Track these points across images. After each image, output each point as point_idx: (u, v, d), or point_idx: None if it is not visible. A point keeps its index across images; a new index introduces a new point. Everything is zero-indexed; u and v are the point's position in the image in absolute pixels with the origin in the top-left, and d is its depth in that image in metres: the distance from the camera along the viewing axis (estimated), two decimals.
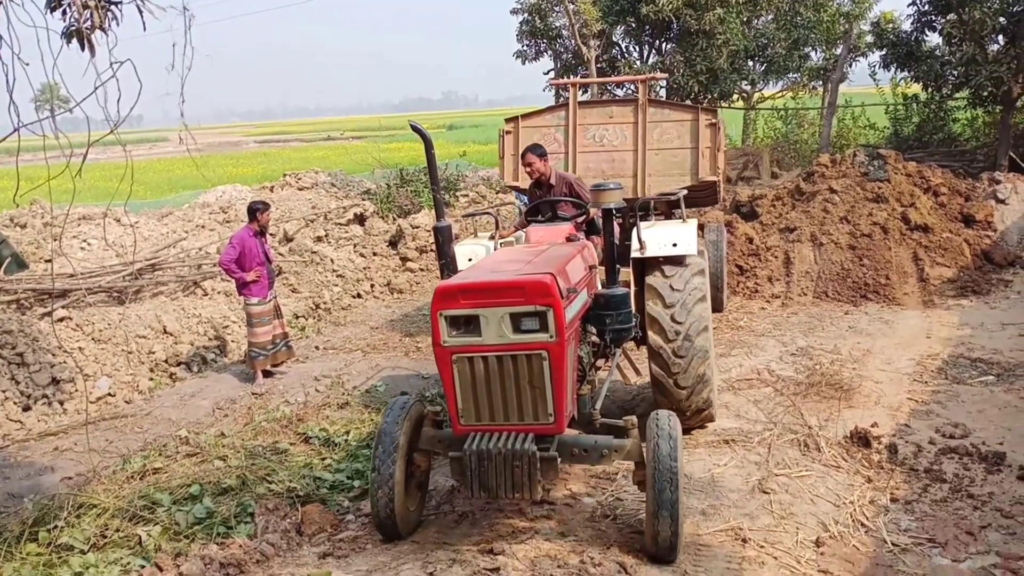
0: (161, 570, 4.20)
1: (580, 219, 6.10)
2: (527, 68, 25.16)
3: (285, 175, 18.93)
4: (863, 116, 20.99)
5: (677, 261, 5.98)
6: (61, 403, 7.89)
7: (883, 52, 17.13)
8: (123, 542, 4.99)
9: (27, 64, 3.67)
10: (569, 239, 5.63)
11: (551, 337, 4.17)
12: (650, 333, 5.91)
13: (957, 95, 17.34)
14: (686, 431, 6.06)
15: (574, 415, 4.71)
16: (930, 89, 17.16)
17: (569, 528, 4.84)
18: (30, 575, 4.75)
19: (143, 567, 4.45)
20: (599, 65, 20.49)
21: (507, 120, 8.42)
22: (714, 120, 7.83)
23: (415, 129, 5.18)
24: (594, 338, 5.28)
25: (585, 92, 15.22)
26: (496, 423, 4.34)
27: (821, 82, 21.93)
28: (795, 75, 21.30)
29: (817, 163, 13.12)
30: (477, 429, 4.35)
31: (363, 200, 15.22)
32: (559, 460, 4.32)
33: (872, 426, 6.05)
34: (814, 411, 6.54)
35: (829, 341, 8.62)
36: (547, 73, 23.30)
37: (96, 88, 3.75)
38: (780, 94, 23.32)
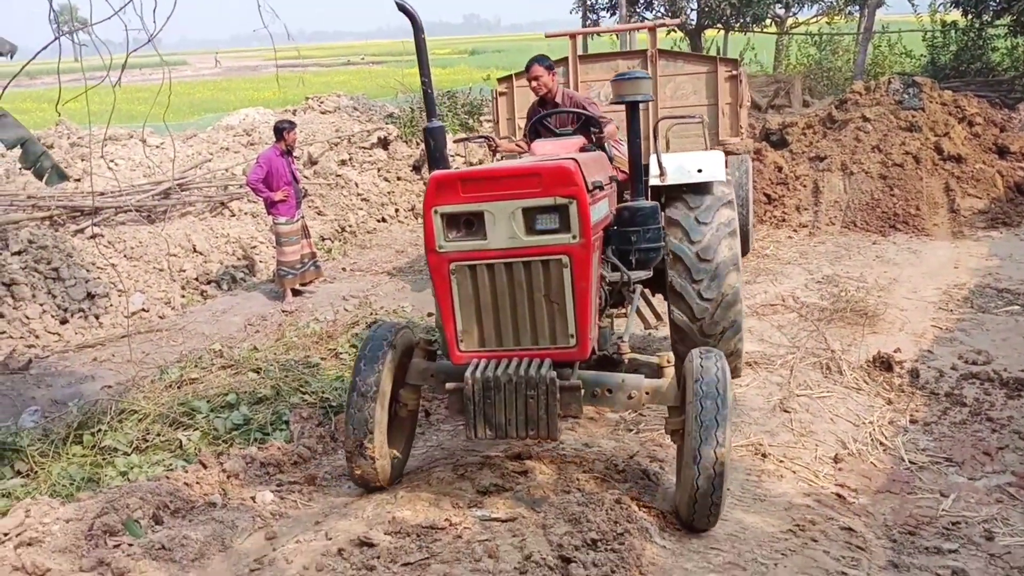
0: (205, 467, 4.39)
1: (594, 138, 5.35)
2: None
3: (307, 99, 18.80)
4: (900, 43, 20.41)
5: (703, 190, 5.23)
6: (96, 317, 8.10)
7: None
8: (164, 445, 5.20)
9: None
10: (585, 149, 4.97)
11: (574, 238, 3.50)
12: (671, 273, 5.13)
13: (997, 22, 16.78)
14: None
15: (595, 348, 3.95)
16: (970, 16, 16.62)
17: (593, 439, 4.97)
18: (77, 474, 4.97)
19: (185, 467, 4.65)
20: None
21: (499, 80, 7.77)
22: (734, 72, 7.11)
23: (400, 8, 4.23)
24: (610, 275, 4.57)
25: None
26: (504, 348, 3.71)
27: (858, 7, 21.24)
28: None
29: (850, 90, 12.84)
30: (481, 356, 3.71)
31: (386, 124, 15.14)
32: (582, 391, 3.68)
33: (895, 351, 6.10)
34: (837, 336, 6.59)
35: (856, 269, 8.61)
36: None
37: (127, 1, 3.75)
38: (815, 19, 22.65)
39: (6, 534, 3.42)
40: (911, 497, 4.34)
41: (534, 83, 5.72)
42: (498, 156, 6.01)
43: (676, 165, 5.25)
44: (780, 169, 11.60)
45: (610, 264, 4.53)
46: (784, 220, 10.94)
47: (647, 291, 5.70)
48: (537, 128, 5.65)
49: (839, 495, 4.32)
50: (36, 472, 5.14)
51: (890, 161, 11.04)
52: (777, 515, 3.99)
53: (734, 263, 5.10)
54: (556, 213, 3.51)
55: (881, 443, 4.93)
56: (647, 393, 3.80)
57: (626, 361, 4.22)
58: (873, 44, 19.91)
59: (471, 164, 6.72)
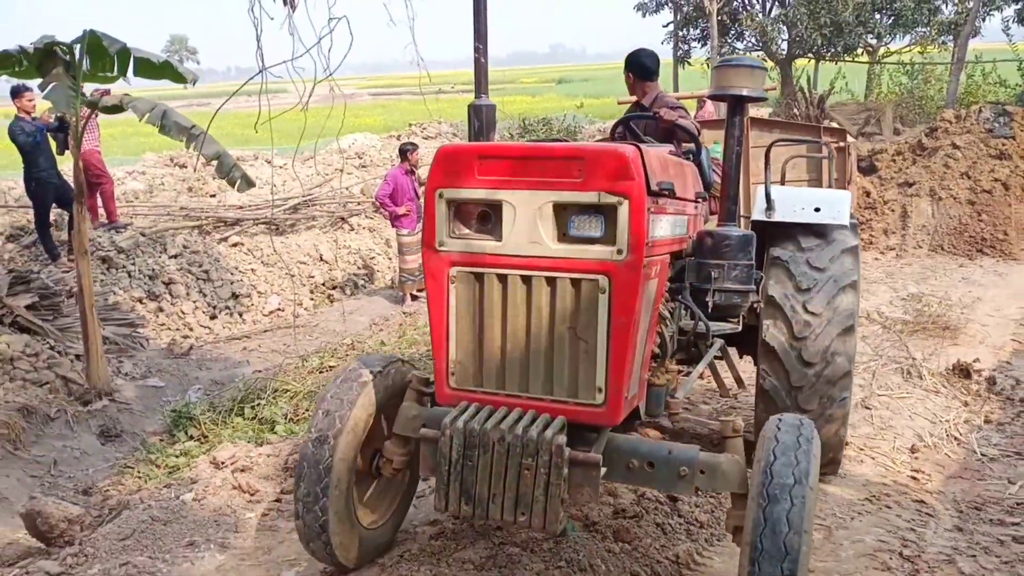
0: None
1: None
2: (638, 21, 25.30)
3: (410, 125, 20.05)
4: (994, 72, 20.32)
5: (820, 233, 4.27)
6: (240, 314, 9.19)
7: (1019, 6, 16.61)
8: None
9: (271, 18, 4.62)
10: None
11: (620, 253, 2.60)
12: (766, 324, 4.15)
13: None
14: None
15: (639, 408, 3.08)
16: None
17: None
18: (243, 436, 5.91)
19: None
20: (720, 18, 20.55)
21: (619, 103, 6.93)
22: (842, 143, 6.25)
23: None
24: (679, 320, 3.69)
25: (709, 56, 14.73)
26: (507, 392, 2.79)
27: (952, 37, 21.27)
28: (924, 29, 20.74)
29: (940, 118, 13.12)
30: (475, 397, 2.80)
31: None
32: (602, 470, 2.67)
33: (974, 361, 6.52)
34: (919, 347, 7.04)
35: (941, 289, 8.98)
36: (666, 26, 23.46)
37: (320, 39, 4.66)
38: (907, 48, 22.72)
39: (223, 462, 4.31)
40: (980, 483, 4.82)
41: (631, 85, 4.91)
42: None
43: (789, 199, 4.34)
44: (868, 194, 12.01)
45: (682, 307, 3.62)
46: (871, 243, 11.34)
47: (730, 349, 4.73)
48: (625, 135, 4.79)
49: (913, 477, 4.84)
50: (206, 437, 6.11)
51: (979, 187, 11.32)
52: (856, 488, 4.55)
53: (849, 324, 4.08)
54: (600, 215, 2.62)
55: (956, 438, 5.41)
56: (702, 472, 2.76)
57: (675, 426, 3.38)
58: (966, 73, 19.90)
59: None
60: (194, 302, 9.06)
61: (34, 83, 7.57)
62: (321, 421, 3.02)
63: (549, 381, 2.76)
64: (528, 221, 2.70)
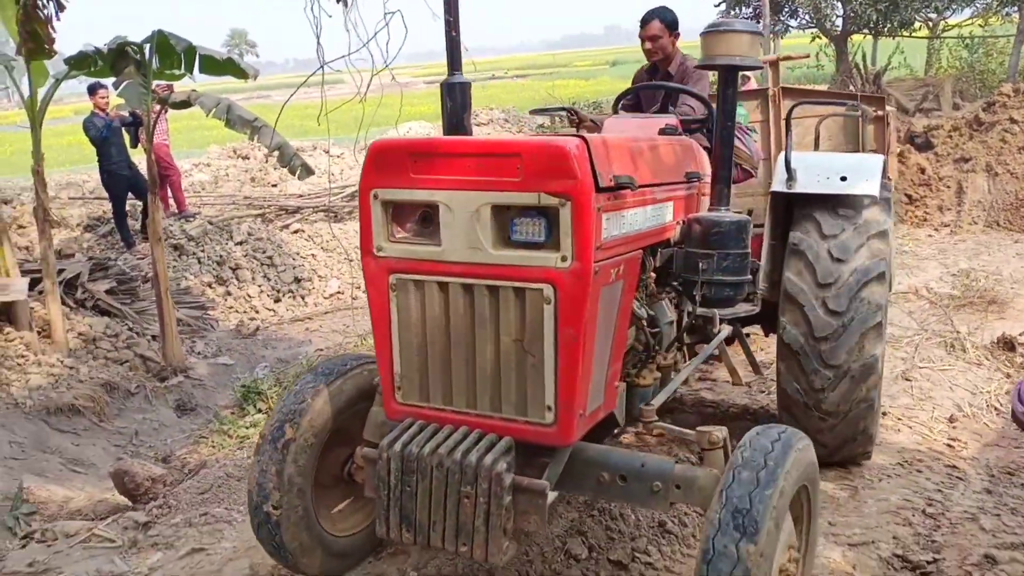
0: None
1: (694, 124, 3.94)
2: (691, 0, 25.12)
3: None
4: None
5: (845, 212, 3.93)
6: (303, 297, 9.65)
7: None
8: None
9: (330, 16, 4.96)
10: (664, 132, 3.52)
11: (564, 260, 2.35)
12: (783, 322, 3.90)
13: None
14: (832, 463, 4.15)
15: (615, 414, 2.87)
16: None
17: None
18: None
19: None
20: None
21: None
22: (880, 112, 5.69)
23: None
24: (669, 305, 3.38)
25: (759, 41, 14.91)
26: (454, 408, 2.60)
27: (1016, 7, 20.63)
28: (986, 0, 20.18)
29: (999, 92, 12.85)
30: (422, 413, 2.64)
31: (539, 134, 16.37)
32: (550, 494, 2.47)
33: (1020, 334, 6.54)
34: (965, 321, 7.06)
35: (993, 265, 8.91)
36: (718, 5, 23.27)
37: (376, 33, 4.97)
38: (968, 21, 22.12)
39: None
40: (1017, 450, 4.90)
41: (648, 44, 4.52)
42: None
43: (812, 167, 4.03)
44: (923, 171, 11.87)
45: (672, 294, 3.37)
46: (926, 220, 11.24)
47: (752, 329, 4.48)
48: (631, 96, 4.50)
49: (949, 445, 4.96)
50: (273, 409, 6.54)
51: None
52: (889, 454, 4.69)
53: (876, 321, 3.78)
54: (543, 218, 2.38)
55: (996, 408, 5.48)
56: (677, 487, 2.59)
57: (652, 434, 3.20)
58: None
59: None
60: (259, 286, 9.54)
61: (108, 81, 8.10)
62: (275, 425, 2.86)
63: (497, 398, 2.53)
64: (466, 224, 2.43)
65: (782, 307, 3.95)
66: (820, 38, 21.33)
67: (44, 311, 6.93)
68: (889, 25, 19.03)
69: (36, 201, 6.99)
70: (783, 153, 4.13)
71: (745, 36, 2.82)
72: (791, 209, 4.17)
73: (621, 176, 2.51)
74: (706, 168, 3.57)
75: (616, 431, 3.12)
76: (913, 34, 20.99)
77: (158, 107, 7.38)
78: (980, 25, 21.67)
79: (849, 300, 3.80)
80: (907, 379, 5.93)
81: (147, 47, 6.92)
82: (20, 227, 9.86)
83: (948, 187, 11.52)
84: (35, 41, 6.23)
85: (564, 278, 2.36)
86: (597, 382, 2.60)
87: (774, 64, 6.21)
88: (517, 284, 2.42)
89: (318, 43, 5.03)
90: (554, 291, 2.38)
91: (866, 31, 20.51)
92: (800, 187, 4.00)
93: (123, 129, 9.90)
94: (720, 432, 2.63)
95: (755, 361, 4.65)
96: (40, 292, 7.02)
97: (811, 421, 3.89)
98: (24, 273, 7.00)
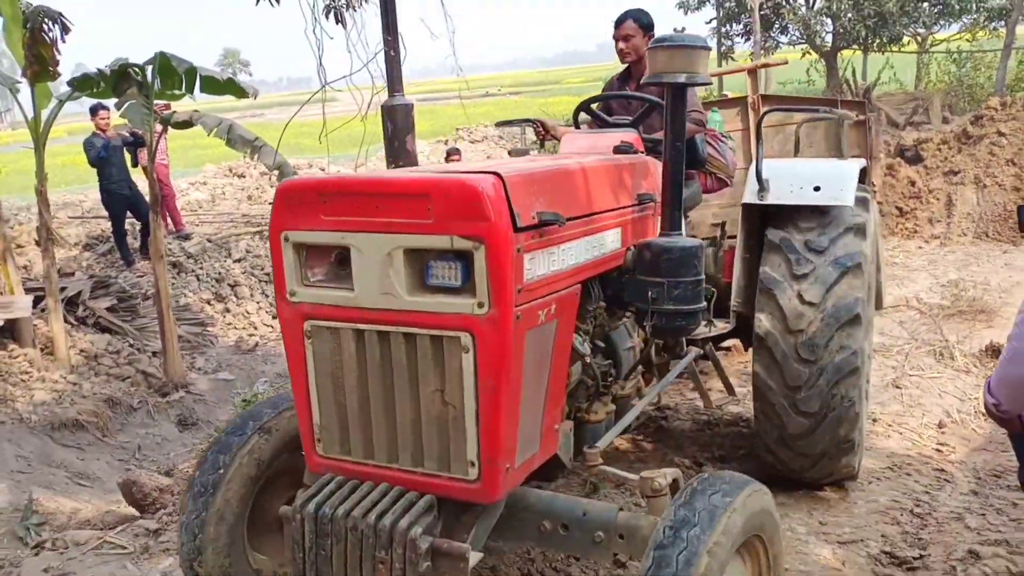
0: None
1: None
2: (680, 18, 25.46)
3: (457, 129, 20.58)
4: None
5: (822, 209, 3.86)
6: None
7: None
8: None
9: (331, 38, 5.13)
10: (619, 150, 3.36)
11: (480, 307, 2.20)
12: (759, 318, 3.76)
13: None
14: (808, 483, 4.06)
15: (559, 457, 2.76)
16: None
17: None
18: None
19: None
20: (762, 12, 20.61)
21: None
22: (861, 116, 5.58)
23: None
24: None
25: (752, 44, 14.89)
26: (375, 463, 2.45)
27: (1004, 22, 20.95)
28: (972, 16, 20.48)
29: (986, 106, 13.07)
30: (343, 467, 2.49)
31: (535, 151, 16.54)
32: (472, 556, 2.33)
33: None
34: (954, 330, 7.19)
35: (981, 275, 9.06)
36: (709, 23, 23.59)
37: (375, 54, 5.12)
38: (956, 36, 22.44)
39: None
40: (1004, 454, 5.01)
41: (621, 44, 4.21)
42: (548, 146, 4.90)
43: (786, 176, 3.92)
44: (913, 183, 12.05)
45: (626, 324, 3.23)
46: (916, 232, 11.42)
47: (730, 345, 4.39)
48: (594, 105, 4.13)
49: (938, 450, 5.07)
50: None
51: None
52: (879, 459, 4.80)
53: (853, 313, 3.63)
54: (459, 261, 2.21)
55: (983, 415, 5.60)
56: (620, 536, 2.49)
57: (591, 479, 2.98)
58: (1017, 59, 19.61)
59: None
60: (257, 302, 9.65)
61: (111, 102, 8.24)
62: (200, 475, 2.71)
63: (419, 452, 2.37)
64: (379, 269, 2.26)
65: (758, 302, 3.81)
66: (810, 54, 21.62)
67: (47, 328, 7.03)
68: (878, 40, 19.32)
69: (39, 220, 7.11)
70: (753, 162, 4.01)
71: (694, 51, 2.61)
72: (766, 221, 4.03)
73: (545, 212, 2.32)
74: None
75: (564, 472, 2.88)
76: (902, 49, 21.29)
77: (160, 127, 7.52)
78: (968, 40, 21.99)
79: (825, 291, 3.66)
80: (897, 387, 6.05)
81: (149, 68, 7.07)
82: (19, 247, 9.96)
83: (938, 199, 11.70)
84: (40, 63, 6.38)
85: (482, 326, 2.19)
86: (529, 431, 2.44)
87: (752, 72, 6.09)
88: (434, 332, 2.26)
89: (319, 64, 5.19)
90: (472, 339, 2.21)
91: (855, 46, 20.80)
92: (772, 198, 3.88)
93: (124, 149, 10.03)
94: (663, 478, 2.45)
95: (728, 382, 4.56)
96: (43, 310, 7.13)
97: (787, 425, 3.76)
98: (27, 291, 7.10)
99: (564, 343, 2.59)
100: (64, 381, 6.52)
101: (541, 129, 4.29)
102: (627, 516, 2.53)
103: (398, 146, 2.97)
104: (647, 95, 3.80)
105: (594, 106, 4.09)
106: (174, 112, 7.73)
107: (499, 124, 4.86)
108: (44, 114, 7.18)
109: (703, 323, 3.13)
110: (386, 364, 2.35)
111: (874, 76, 20.36)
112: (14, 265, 6.87)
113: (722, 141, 4.50)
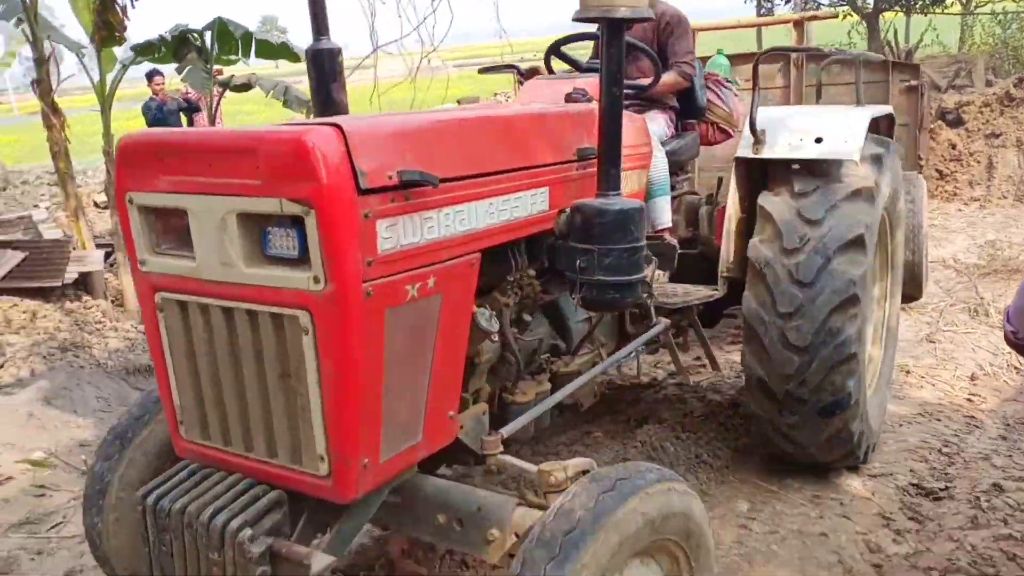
0: None
1: (645, 87, 3.54)
2: None
3: (496, 94, 20.77)
4: None
5: (821, 171, 3.44)
6: None
7: None
8: None
9: (383, 2, 5.37)
10: (570, 98, 3.10)
11: (316, 281, 1.90)
12: (746, 297, 3.46)
13: None
14: (815, 466, 3.81)
15: (470, 443, 2.51)
16: None
17: None
18: None
19: None
20: None
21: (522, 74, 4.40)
22: (913, 82, 5.09)
23: None
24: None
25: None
26: (233, 451, 2.23)
27: None
28: None
29: None
30: (206, 454, 2.29)
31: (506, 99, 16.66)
32: (316, 562, 2.03)
33: None
34: (989, 288, 7.32)
35: (1019, 236, 9.12)
36: None
37: (425, 18, 5.36)
38: None
39: None
40: None
41: None
42: None
43: (784, 127, 3.52)
44: (954, 147, 12.02)
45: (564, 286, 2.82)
46: (955, 195, 11.44)
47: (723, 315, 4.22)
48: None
49: (969, 400, 5.27)
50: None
51: None
52: (911, 406, 5.01)
53: (850, 294, 3.27)
54: (295, 229, 1.93)
55: (1016, 368, 5.76)
56: (515, 535, 2.26)
57: (492, 467, 2.52)
58: None
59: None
60: None
61: (170, 67, 8.59)
62: (106, 446, 2.60)
63: (272, 442, 2.13)
64: (215, 236, 2.00)
65: (749, 279, 3.49)
66: (851, 16, 21.29)
67: (117, 282, 7.45)
68: (921, 2, 18.97)
69: (106, 178, 7.49)
70: (748, 113, 3.61)
71: None
72: (763, 178, 3.64)
73: (410, 171, 2.00)
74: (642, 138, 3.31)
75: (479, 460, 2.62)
76: (945, 11, 20.88)
77: (219, 90, 7.85)
78: (1014, 0, 21.49)
79: (818, 268, 3.30)
80: (931, 341, 6.23)
81: (208, 34, 7.38)
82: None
83: (978, 162, 11.69)
84: (108, 29, 6.70)
85: (319, 303, 1.90)
86: (404, 420, 2.17)
87: (799, 24, 5.62)
88: (274, 309, 1.98)
89: (372, 28, 5.42)
90: (311, 319, 1.93)
91: (898, 8, 20.43)
92: (768, 151, 3.50)
93: (179, 113, 10.41)
94: (562, 472, 2.20)
95: (712, 356, 4.16)
96: (112, 264, 7.54)
97: (775, 417, 3.52)
98: (97, 247, 7.52)
99: (456, 320, 2.30)
100: (135, 330, 6.92)
101: (520, 76, 4.18)
102: (524, 512, 2.27)
103: (325, 96, 2.58)
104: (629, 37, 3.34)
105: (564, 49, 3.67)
106: (232, 76, 8.05)
107: (481, 71, 4.49)
108: (109, 78, 7.53)
109: (644, 295, 2.64)
110: (234, 343, 2.10)
111: (916, 38, 20.04)
112: (85, 221, 7.28)
113: (726, 87, 4.19)
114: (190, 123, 10.38)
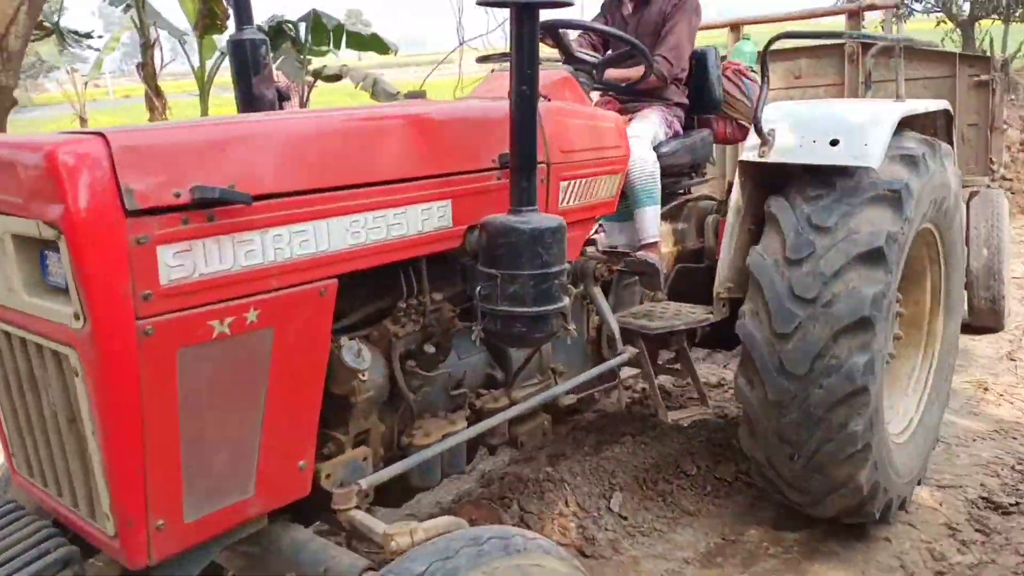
0: None
1: (631, 78, 3.30)
2: None
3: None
4: None
5: (840, 175, 2.95)
6: None
7: None
8: None
9: None
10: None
11: (76, 318, 1.62)
12: (741, 312, 3.04)
13: None
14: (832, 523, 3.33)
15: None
16: None
17: None
18: None
19: None
20: None
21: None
22: (983, 77, 4.67)
23: None
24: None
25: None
26: (51, 492, 1.98)
27: None
28: None
29: None
30: (34, 492, 2.07)
31: None
32: None
33: None
34: None
35: None
36: None
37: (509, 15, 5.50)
38: None
39: None
40: None
41: None
42: None
43: (796, 125, 3.05)
44: None
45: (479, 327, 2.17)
46: None
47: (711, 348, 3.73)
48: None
49: None
50: None
51: None
52: (987, 423, 4.93)
53: (861, 315, 2.78)
54: (59, 255, 1.65)
55: None
56: None
57: (356, 524, 2.14)
58: None
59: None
60: None
61: None
62: None
63: (71, 489, 1.88)
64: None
65: (749, 295, 3.04)
66: (946, 23, 20.59)
67: None
68: (1021, 10, 18.23)
69: None
70: (756, 107, 3.08)
71: None
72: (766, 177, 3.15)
73: (208, 188, 1.69)
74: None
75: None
76: None
77: (312, 79, 8.17)
78: None
79: (825, 283, 2.82)
80: (1012, 359, 6.07)
81: (302, 25, 7.69)
82: None
83: None
84: (211, 17, 7.06)
85: (82, 343, 1.64)
86: (221, 473, 1.87)
87: (854, 15, 4.96)
88: (53, 345, 1.73)
89: (459, 23, 5.60)
90: (79, 360, 1.67)
91: (995, 16, 19.68)
92: (774, 155, 3.01)
93: None
94: (407, 536, 1.88)
95: (701, 390, 3.54)
96: None
97: (770, 462, 3.07)
98: None
99: (300, 357, 1.97)
100: None
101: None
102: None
103: (246, 90, 2.35)
104: (618, 31, 3.16)
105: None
106: (324, 67, 8.37)
107: (479, 60, 4.14)
108: (208, 65, 7.92)
109: (562, 328, 2.12)
110: (28, 378, 1.87)
111: (1015, 48, 19.27)
112: None
113: (748, 78, 3.75)
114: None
